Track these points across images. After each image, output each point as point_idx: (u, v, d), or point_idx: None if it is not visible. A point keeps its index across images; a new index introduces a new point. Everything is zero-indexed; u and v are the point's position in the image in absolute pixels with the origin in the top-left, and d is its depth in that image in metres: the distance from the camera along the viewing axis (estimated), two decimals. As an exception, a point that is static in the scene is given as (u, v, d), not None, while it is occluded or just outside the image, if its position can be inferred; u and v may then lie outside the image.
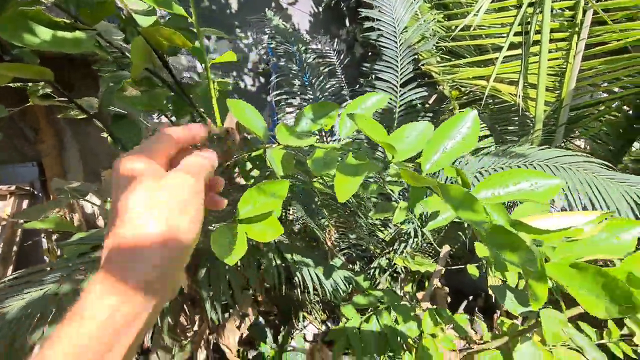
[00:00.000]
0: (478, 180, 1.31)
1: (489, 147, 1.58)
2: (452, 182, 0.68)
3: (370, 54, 3.63)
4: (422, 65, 1.85)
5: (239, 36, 3.20)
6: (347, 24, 3.82)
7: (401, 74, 1.83)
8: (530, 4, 1.54)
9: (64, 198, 0.73)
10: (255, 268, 0.88)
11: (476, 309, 2.27)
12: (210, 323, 0.96)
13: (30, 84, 0.65)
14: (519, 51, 1.67)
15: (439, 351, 0.81)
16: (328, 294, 1.16)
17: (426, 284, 2.01)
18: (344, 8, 3.79)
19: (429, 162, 0.49)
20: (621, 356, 1.02)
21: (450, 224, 1.75)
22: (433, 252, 1.87)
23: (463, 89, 1.94)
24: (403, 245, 1.67)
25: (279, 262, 0.90)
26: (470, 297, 2.41)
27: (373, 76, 2.02)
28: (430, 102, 2.21)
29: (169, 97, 0.60)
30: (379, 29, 1.90)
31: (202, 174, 0.32)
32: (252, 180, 0.75)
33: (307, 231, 1.71)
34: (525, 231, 0.42)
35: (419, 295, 1.63)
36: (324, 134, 2.29)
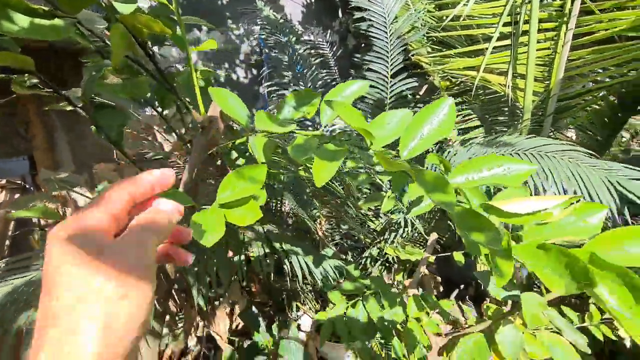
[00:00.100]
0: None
1: (477, 137, 1.60)
2: (435, 170, 0.70)
3: (363, 45, 3.62)
4: (412, 55, 1.85)
5: (231, 27, 3.17)
6: (340, 15, 3.80)
7: (391, 65, 1.83)
8: (520, -6, 1.54)
9: (51, 188, 0.73)
10: (244, 258, 0.89)
11: (467, 297, 2.32)
12: (198, 309, 0.97)
13: (15, 76, 0.65)
14: (509, 41, 1.68)
15: (424, 334, 0.83)
16: (318, 282, 1.18)
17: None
18: (337, -1, 3.76)
19: (407, 149, 0.50)
20: (601, 338, 1.05)
21: (440, 214, 1.78)
22: (423, 241, 1.89)
23: (454, 80, 1.94)
24: (393, 234, 1.70)
25: (267, 250, 0.91)
26: (462, 286, 2.46)
27: (365, 67, 2.02)
28: (421, 93, 2.22)
29: (153, 86, 0.61)
30: (370, 19, 1.89)
31: (154, 239, 0.27)
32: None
33: (299, 221, 1.72)
34: (496, 214, 0.44)
35: (407, 282, 1.66)
36: (318, 126, 2.29)
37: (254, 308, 1.56)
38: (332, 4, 3.80)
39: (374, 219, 1.89)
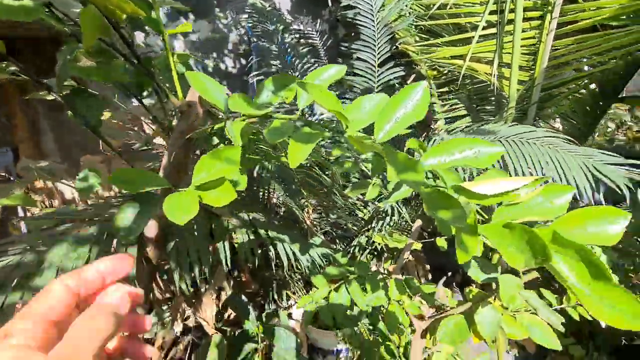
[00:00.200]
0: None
1: (462, 126, 1.62)
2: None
3: (353, 34, 3.60)
4: (400, 44, 1.85)
5: (218, 16, 3.12)
6: (330, 3, 3.76)
7: (379, 54, 1.83)
8: (506, -18, 1.55)
9: (30, 176, 0.72)
10: (229, 246, 0.90)
11: (454, 284, 2.38)
12: (184, 296, 0.98)
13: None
14: (495, 30, 1.69)
15: (405, 316, 0.86)
16: (305, 270, 1.19)
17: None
18: (326, -13, 3.72)
19: (382, 131, 0.51)
20: (577, 318, 1.09)
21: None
22: (411, 229, 1.92)
23: (441, 69, 1.95)
24: (381, 223, 1.72)
25: (252, 237, 0.92)
26: (449, 274, 2.51)
27: (355, 57, 2.01)
28: (408, 82, 2.23)
29: (130, 71, 0.60)
30: (356, 7, 1.88)
31: (95, 344, 0.23)
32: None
33: (288, 212, 1.73)
34: (466, 196, 0.45)
35: (391, 267, 1.68)
36: (307, 116, 2.29)
37: (243, 297, 1.57)
38: (321, -7, 3.75)
39: (362, 207, 1.91)
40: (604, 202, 0.96)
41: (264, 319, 1.55)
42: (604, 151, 1.00)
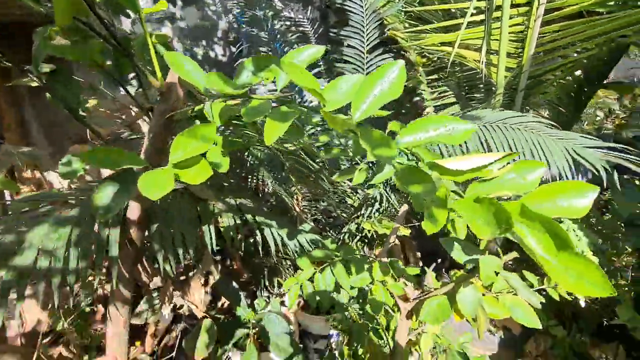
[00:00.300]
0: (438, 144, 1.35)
1: (450, 113, 1.62)
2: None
3: (343, 21, 3.56)
4: (388, 30, 1.85)
5: (207, 3, 3.06)
6: (321, -10, 3.71)
7: (368, 40, 1.82)
8: (494, -32, 1.54)
9: (12, 160, 0.72)
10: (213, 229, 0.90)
11: (443, 269, 2.43)
12: (172, 280, 0.99)
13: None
14: (484, 16, 1.69)
15: (389, 296, 0.88)
16: (294, 255, 1.21)
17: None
18: (317, -27, 3.66)
19: (359, 111, 0.51)
20: (557, 298, 1.13)
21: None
22: (400, 216, 1.94)
23: (430, 56, 1.95)
24: (370, 209, 1.74)
25: (238, 222, 0.93)
26: (439, 260, 2.56)
27: (345, 44, 2.00)
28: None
29: (108, 52, 0.60)
30: (345, -8, 1.87)
31: None
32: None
33: (278, 199, 1.74)
34: (439, 171, 0.46)
35: (377, 251, 1.71)
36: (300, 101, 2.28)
37: (234, 283, 1.59)
38: (312, -21, 3.69)
39: (352, 194, 1.92)
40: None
41: (255, 306, 1.57)
42: (584, 135, 1.02)
